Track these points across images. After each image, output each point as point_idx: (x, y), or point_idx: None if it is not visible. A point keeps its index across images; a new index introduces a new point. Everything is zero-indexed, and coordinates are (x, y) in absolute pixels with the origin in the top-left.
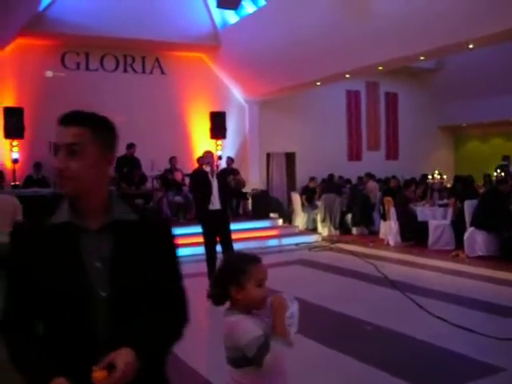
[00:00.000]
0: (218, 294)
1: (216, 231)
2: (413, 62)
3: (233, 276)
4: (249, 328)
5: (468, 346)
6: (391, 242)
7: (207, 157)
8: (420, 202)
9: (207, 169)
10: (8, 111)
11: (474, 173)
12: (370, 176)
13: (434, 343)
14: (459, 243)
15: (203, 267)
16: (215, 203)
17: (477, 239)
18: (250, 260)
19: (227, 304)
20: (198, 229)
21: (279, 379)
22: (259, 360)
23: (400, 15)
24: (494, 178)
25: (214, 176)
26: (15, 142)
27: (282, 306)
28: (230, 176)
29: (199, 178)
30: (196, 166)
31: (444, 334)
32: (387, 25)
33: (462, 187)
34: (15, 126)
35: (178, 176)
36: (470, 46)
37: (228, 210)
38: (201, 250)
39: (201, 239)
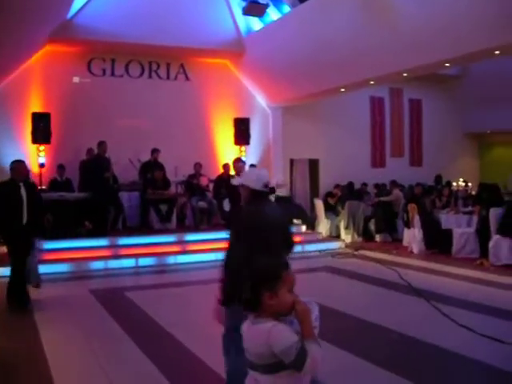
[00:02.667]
0: (251, 300)
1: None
2: (438, 69)
3: (267, 282)
4: (286, 334)
5: (493, 355)
6: (415, 250)
7: (236, 163)
8: (444, 210)
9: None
10: (36, 116)
11: (499, 180)
12: (395, 184)
13: (459, 352)
14: (484, 251)
15: None
16: None
17: (502, 247)
18: (283, 266)
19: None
20: (220, 234)
21: (311, 381)
22: (300, 364)
23: (425, 22)
24: None
25: None
26: (42, 147)
27: (308, 310)
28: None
29: (229, 183)
30: (221, 171)
31: (469, 342)
32: (412, 31)
33: (487, 195)
34: (42, 132)
35: (204, 181)
36: (496, 53)
37: None
38: (222, 255)
39: (223, 245)
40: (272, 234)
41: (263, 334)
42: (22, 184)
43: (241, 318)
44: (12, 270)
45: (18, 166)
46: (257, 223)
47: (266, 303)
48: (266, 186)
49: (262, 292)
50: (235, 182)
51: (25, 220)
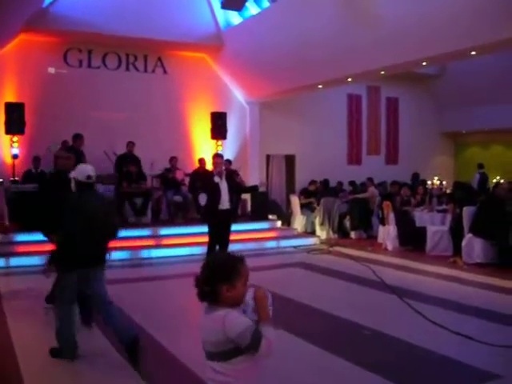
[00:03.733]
0: (209, 292)
1: (221, 230)
2: (415, 68)
3: (225, 275)
4: (240, 319)
5: (464, 352)
6: (389, 247)
7: (219, 159)
8: (419, 208)
9: (216, 170)
10: (9, 106)
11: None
12: (370, 181)
13: (430, 348)
14: (457, 250)
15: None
16: (224, 203)
17: (475, 246)
18: (240, 260)
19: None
20: (195, 229)
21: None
22: (256, 346)
23: (404, 21)
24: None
25: (223, 177)
26: (15, 138)
27: (265, 296)
28: (238, 176)
29: (207, 178)
30: (196, 166)
31: (440, 339)
32: (391, 30)
33: (461, 193)
34: (16, 122)
35: (180, 175)
36: (473, 53)
37: (237, 210)
38: (197, 249)
39: (198, 239)
40: (91, 220)
41: (218, 322)
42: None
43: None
44: None
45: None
46: (76, 209)
47: (224, 295)
48: (89, 177)
49: (221, 285)
50: (71, 175)
51: None
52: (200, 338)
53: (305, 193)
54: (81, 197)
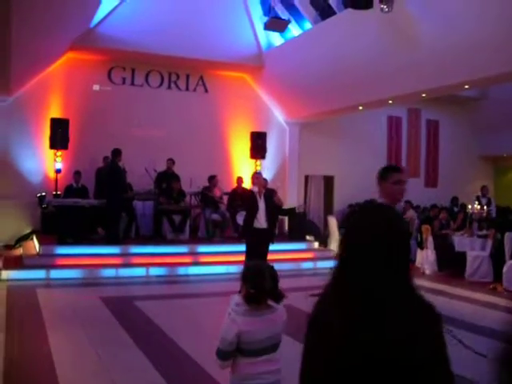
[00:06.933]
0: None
1: (259, 249)
2: (457, 91)
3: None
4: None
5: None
6: (427, 271)
7: (259, 177)
8: (458, 232)
9: (255, 189)
10: (54, 122)
11: None
12: (409, 204)
13: (465, 375)
14: (498, 276)
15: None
16: (262, 222)
17: None
18: None
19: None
20: (233, 247)
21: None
22: None
23: (446, 44)
24: None
25: (262, 196)
26: (59, 153)
27: None
28: (276, 195)
29: (245, 196)
30: (235, 185)
31: (477, 367)
32: (433, 53)
33: (503, 218)
34: (60, 137)
35: (217, 192)
36: None
37: (274, 229)
38: (234, 268)
39: (235, 258)
40: None
41: (284, 314)
42: None
43: None
44: None
45: None
46: None
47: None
48: None
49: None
50: None
51: None
52: None
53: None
54: None
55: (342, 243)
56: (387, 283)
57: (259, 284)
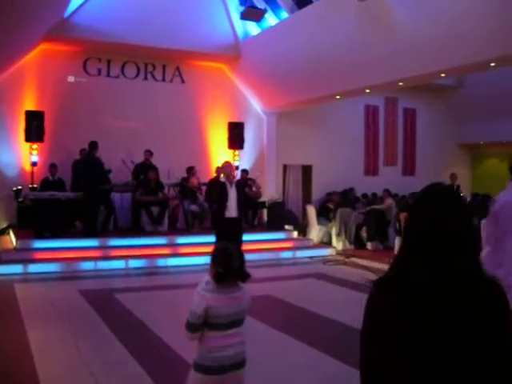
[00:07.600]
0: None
1: (230, 239)
2: (433, 79)
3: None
4: None
5: None
6: None
7: (226, 167)
8: None
9: (223, 179)
10: (29, 114)
11: (492, 191)
12: (387, 192)
13: None
14: None
15: None
16: (232, 211)
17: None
18: None
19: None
20: (212, 238)
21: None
22: None
23: (423, 33)
24: None
25: (233, 185)
26: (35, 146)
27: None
28: (246, 188)
29: (216, 187)
30: (213, 175)
31: None
32: (409, 42)
33: (479, 206)
34: (36, 130)
35: (194, 181)
36: (492, 65)
37: (242, 219)
38: None
39: None
40: None
41: (248, 293)
42: None
43: None
44: None
45: None
46: None
47: None
48: None
49: None
50: None
51: None
52: None
53: (330, 200)
54: None
55: (412, 230)
56: (465, 266)
57: (227, 263)
